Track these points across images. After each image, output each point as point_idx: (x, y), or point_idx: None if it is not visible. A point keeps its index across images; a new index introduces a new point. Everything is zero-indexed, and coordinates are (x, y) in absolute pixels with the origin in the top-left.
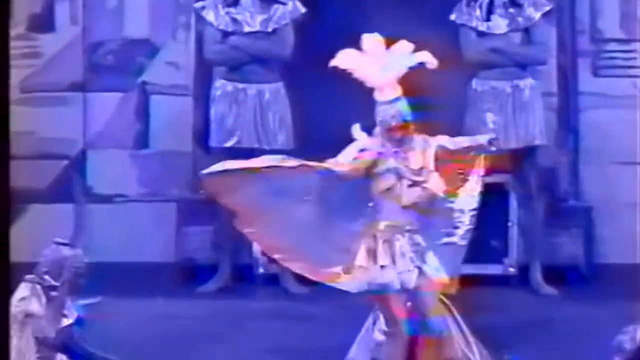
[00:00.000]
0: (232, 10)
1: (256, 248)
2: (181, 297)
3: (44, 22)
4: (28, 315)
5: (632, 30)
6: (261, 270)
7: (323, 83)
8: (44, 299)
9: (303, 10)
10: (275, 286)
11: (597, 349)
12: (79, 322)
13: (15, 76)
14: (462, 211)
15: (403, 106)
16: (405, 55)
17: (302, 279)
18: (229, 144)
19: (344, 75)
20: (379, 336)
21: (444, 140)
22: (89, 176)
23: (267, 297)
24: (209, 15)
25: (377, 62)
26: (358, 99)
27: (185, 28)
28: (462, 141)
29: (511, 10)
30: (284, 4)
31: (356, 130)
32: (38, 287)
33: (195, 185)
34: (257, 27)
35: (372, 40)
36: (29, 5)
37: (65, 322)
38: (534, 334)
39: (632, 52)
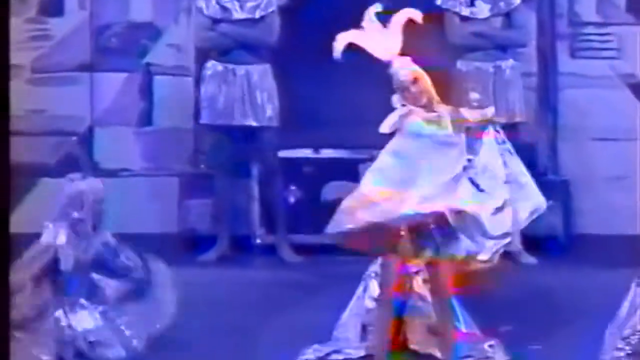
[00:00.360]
0: None
1: (254, 219)
2: (182, 265)
3: (53, 7)
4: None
5: (608, 14)
6: (258, 240)
7: (308, 65)
8: (69, 232)
9: None
10: (271, 256)
11: (573, 312)
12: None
13: (27, 57)
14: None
15: (411, 66)
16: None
17: (297, 250)
18: (218, 122)
19: (328, 58)
20: (369, 303)
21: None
22: (96, 152)
23: (264, 266)
24: (200, 3)
25: (379, 39)
26: (341, 80)
27: (187, 12)
28: (475, 112)
29: None
30: None
31: (395, 99)
32: (63, 223)
33: (195, 161)
34: (245, 15)
35: (370, 20)
36: None
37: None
38: (514, 300)
39: (607, 35)
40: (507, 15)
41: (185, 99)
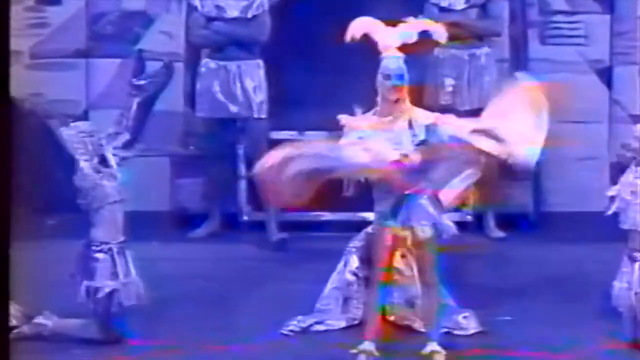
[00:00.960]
0: None
1: (241, 198)
2: (174, 242)
3: None
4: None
5: (576, 3)
6: (245, 217)
7: (297, 60)
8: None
9: None
10: (259, 232)
11: (541, 283)
12: None
13: (26, 44)
14: None
15: (403, 65)
16: (416, 26)
17: (283, 226)
18: (213, 115)
19: (316, 54)
20: (350, 277)
21: (453, 129)
22: None
23: (251, 242)
24: (195, 2)
25: (392, 30)
26: (328, 75)
27: (177, 1)
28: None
29: None
30: None
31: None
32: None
33: (185, 142)
34: (238, 14)
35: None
36: None
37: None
38: (487, 271)
39: (576, 23)
40: (483, 6)
41: (175, 84)
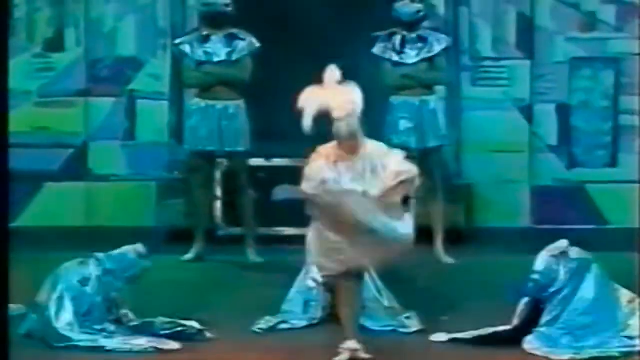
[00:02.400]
0: (204, 45)
1: (217, 214)
2: (159, 253)
3: (56, 44)
4: None
5: (502, 51)
6: (220, 232)
7: (275, 99)
8: None
9: (258, 45)
10: (232, 245)
11: (474, 290)
12: None
13: (34, 85)
14: None
15: (353, 122)
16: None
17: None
18: (199, 148)
19: (292, 93)
20: (310, 283)
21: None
22: (90, 161)
23: (226, 253)
24: (186, 49)
25: (333, 93)
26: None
27: (163, 48)
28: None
29: (419, 44)
30: (243, 40)
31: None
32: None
33: (170, 168)
34: (224, 58)
35: (330, 73)
36: (45, 31)
37: None
38: (426, 280)
39: (501, 68)
40: (430, 60)
41: (161, 119)
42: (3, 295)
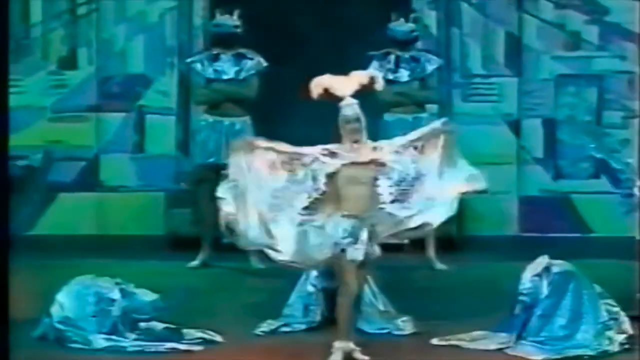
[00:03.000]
0: (214, 63)
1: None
2: (166, 260)
3: (69, 63)
4: None
5: (491, 69)
6: (225, 240)
7: (279, 116)
8: None
9: (265, 64)
10: (235, 252)
11: (465, 294)
12: None
13: (48, 101)
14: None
15: (358, 110)
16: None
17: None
18: (208, 161)
19: (295, 110)
20: (310, 288)
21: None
22: (101, 173)
23: (230, 260)
24: (197, 67)
25: (343, 79)
26: (306, 128)
27: (171, 66)
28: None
29: (412, 64)
30: (251, 59)
31: None
32: None
33: (177, 179)
34: (232, 76)
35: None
36: (59, 50)
37: None
38: (420, 285)
39: (491, 84)
40: (422, 79)
41: (169, 132)
42: (3, 296)
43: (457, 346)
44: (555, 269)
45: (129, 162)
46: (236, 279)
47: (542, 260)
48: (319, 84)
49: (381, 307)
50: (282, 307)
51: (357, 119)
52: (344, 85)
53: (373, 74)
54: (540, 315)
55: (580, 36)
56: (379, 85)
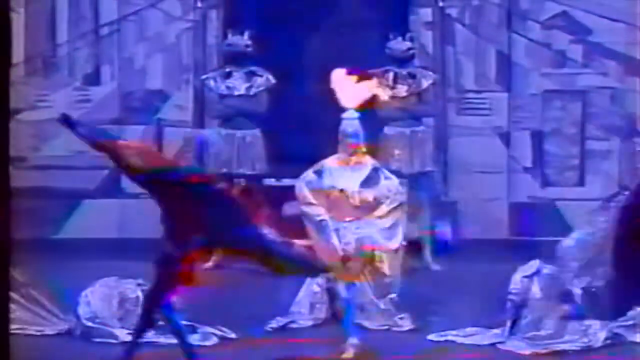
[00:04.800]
0: (226, 80)
1: None
2: None
3: (93, 79)
4: None
5: (483, 84)
6: None
7: (287, 129)
8: None
9: (274, 81)
10: None
11: (458, 294)
12: None
13: (74, 115)
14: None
15: (359, 125)
16: (367, 85)
17: None
18: (222, 171)
19: (302, 124)
20: (315, 287)
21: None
22: (123, 181)
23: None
24: (211, 84)
25: (351, 88)
26: (313, 141)
27: (186, 82)
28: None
29: (409, 80)
30: (261, 76)
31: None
32: None
33: None
34: (243, 92)
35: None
36: (83, 68)
37: None
38: (418, 286)
39: (483, 99)
40: (419, 94)
41: (185, 144)
42: (3, 296)
43: (452, 341)
44: (545, 272)
45: None
46: (247, 278)
47: (534, 263)
48: (335, 79)
49: (382, 306)
50: (290, 305)
51: (356, 135)
52: (351, 96)
53: (381, 88)
54: (530, 315)
55: (565, 54)
56: (384, 96)
